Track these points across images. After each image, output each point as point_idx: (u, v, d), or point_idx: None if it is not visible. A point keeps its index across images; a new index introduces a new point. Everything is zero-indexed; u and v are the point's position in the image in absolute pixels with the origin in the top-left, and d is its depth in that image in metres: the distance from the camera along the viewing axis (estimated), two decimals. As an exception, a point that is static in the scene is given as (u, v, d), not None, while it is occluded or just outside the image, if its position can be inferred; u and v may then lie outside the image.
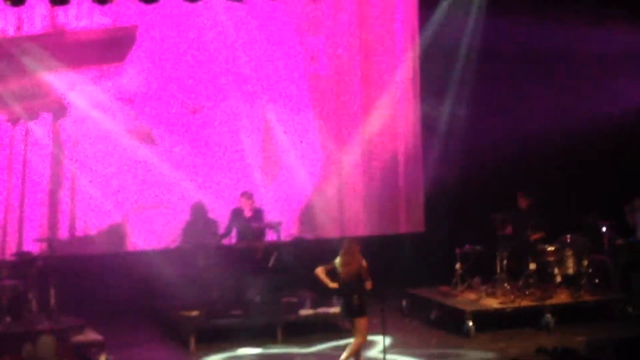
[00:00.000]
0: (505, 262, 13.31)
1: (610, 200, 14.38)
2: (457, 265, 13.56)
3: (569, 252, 13.29)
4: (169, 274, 13.65)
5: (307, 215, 15.12)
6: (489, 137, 14.94)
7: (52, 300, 12.22)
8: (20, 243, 13.79)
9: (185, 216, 14.38)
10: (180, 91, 14.63)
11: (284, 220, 14.12)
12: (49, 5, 13.74)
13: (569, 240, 13.33)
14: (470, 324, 12.51)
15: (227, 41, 14.78)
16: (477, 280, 13.58)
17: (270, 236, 13.62)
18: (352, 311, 10.63)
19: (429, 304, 13.50)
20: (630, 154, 15.42)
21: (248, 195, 13.67)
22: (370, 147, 15.44)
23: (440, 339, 12.53)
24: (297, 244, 14.36)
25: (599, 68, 15.32)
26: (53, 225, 14.10)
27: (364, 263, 10.69)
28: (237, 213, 13.62)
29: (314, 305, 12.97)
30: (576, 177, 15.34)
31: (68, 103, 14.17)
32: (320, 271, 10.72)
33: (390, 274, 12.87)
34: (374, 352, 11.64)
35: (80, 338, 11.77)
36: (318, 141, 15.28)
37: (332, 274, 10.76)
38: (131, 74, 14.41)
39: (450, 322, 12.94)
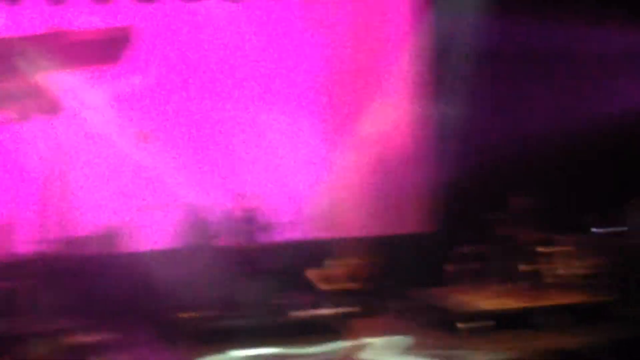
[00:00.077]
0: (504, 262, 13.29)
1: (610, 200, 14.35)
2: (457, 266, 13.54)
3: (569, 253, 13.27)
4: (166, 275, 13.61)
5: (305, 216, 15.10)
6: (489, 137, 14.92)
7: (47, 302, 12.20)
8: (15, 244, 13.77)
9: (182, 217, 14.35)
10: (178, 92, 14.63)
11: (282, 221, 14.09)
12: (45, 5, 13.73)
13: (568, 241, 13.31)
14: (469, 325, 12.48)
15: (225, 41, 14.80)
16: (476, 280, 13.56)
17: (267, 237, 13.59)
18: (350, 313, 10.60)
19: (428, 304, 13.47)
20: (630, 154, 15.44)
21: (245, 196, 13.65)
22: (370, 147, 15.42)
23: (438, 340, 12.50)
24: (294, 245, 14.33)
25: (599, 68, 15.34)
26: (49, 226, 14.07)
27: (363, 264, 10.66)
28: (234, 214, 13.58)
29: (311, 307, 12.94)
30: (576, 177, 15.33)
31: (65, 103, 14.15)
32: (314, 273, 10.70)
33: (390, 274, 12.83)
34: (371, 353, 11.60)
35: (75, 339, 11.74)
36: (317, 141, 15.27)
37: (330, 275, 10.74)
38: (128, 74, 14.40)
39: (448, 323, 12.91)
